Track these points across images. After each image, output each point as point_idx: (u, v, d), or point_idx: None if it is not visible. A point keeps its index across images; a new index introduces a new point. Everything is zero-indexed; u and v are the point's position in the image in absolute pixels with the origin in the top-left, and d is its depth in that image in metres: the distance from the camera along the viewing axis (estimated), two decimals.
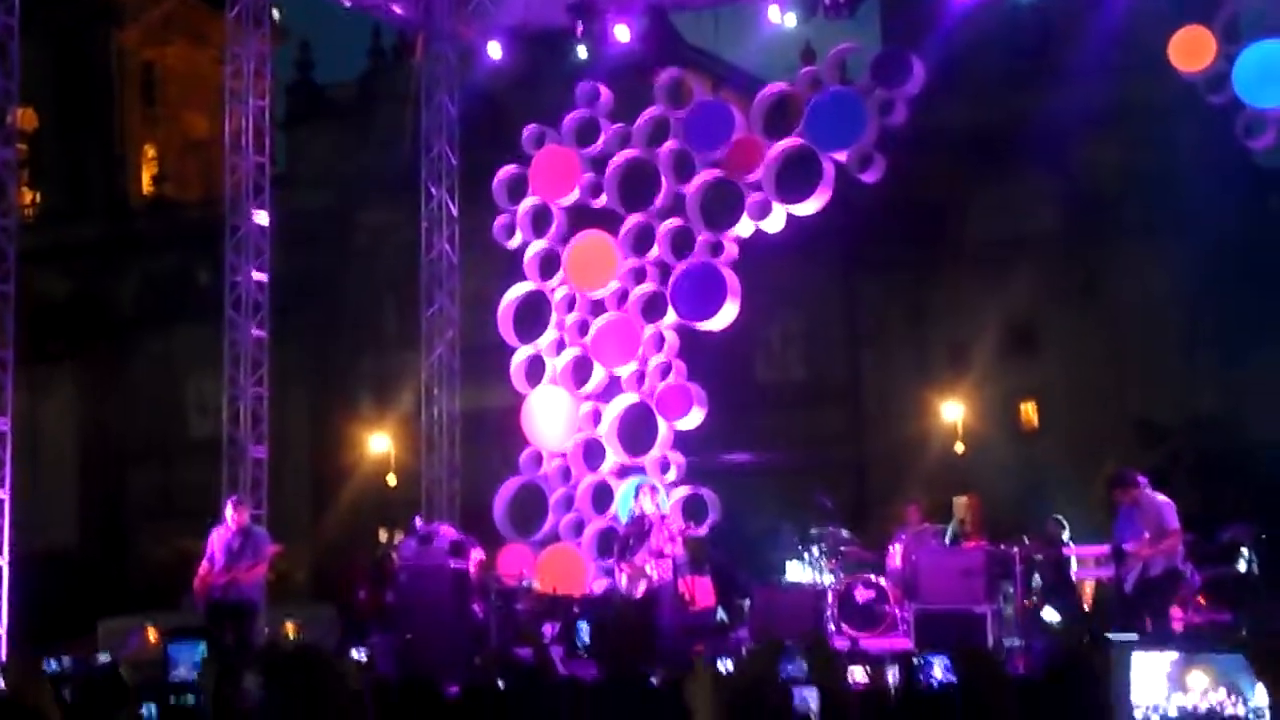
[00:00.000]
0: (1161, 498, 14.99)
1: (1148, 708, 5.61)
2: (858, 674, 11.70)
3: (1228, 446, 27.94)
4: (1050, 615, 16.96)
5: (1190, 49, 17.86)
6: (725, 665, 11.01)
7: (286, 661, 5.17)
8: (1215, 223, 27.86)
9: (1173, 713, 5.57)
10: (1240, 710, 5.47)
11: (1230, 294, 30.79)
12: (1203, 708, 5.54)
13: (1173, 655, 5.77)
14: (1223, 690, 5.54)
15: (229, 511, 16.93)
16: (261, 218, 21.24)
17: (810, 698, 8.39)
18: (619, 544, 17.74)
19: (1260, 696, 5.41)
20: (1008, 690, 4.01)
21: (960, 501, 19.92)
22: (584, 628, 16.09)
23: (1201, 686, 5.55)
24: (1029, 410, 35.14)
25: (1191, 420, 30.13)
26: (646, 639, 15.90)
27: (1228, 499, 19.45)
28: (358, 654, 16.04)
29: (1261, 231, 31.01)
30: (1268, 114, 17.83)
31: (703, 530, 19.18)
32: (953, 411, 31.45)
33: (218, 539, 16.64)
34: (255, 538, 16.87)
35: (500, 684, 8.42)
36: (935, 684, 9.36)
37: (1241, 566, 15.97)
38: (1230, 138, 18.72)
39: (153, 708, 8.80)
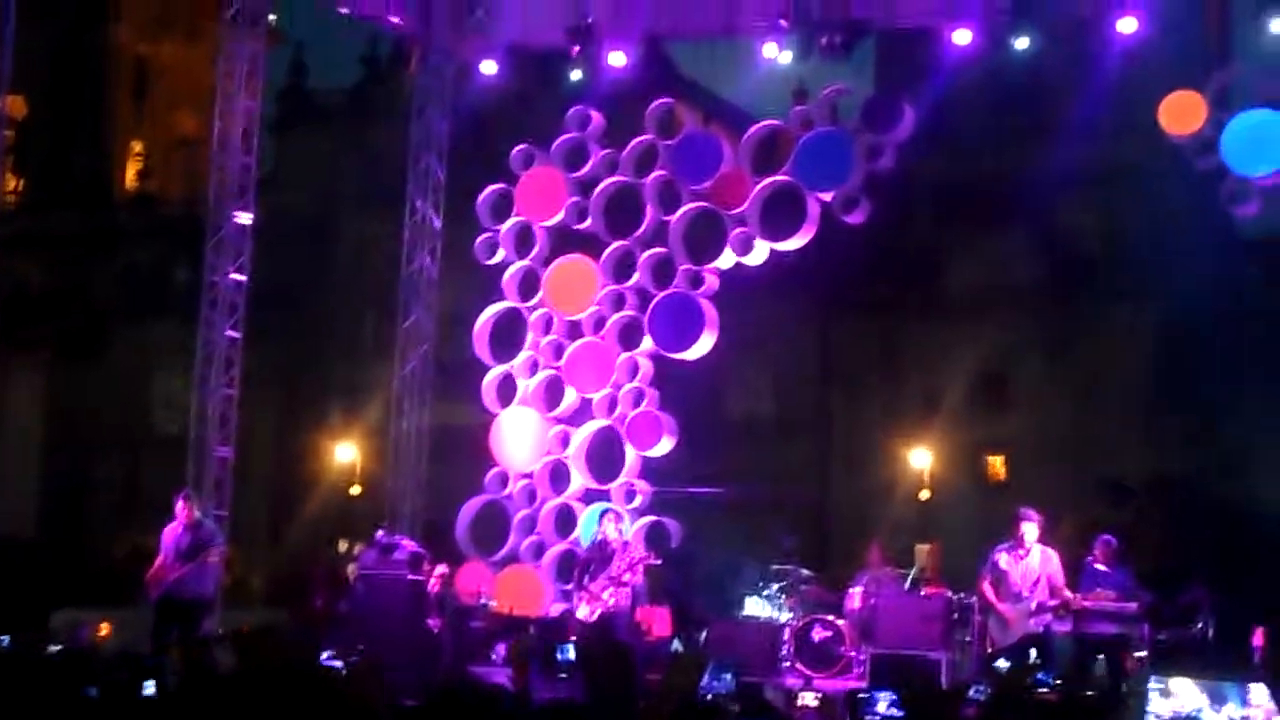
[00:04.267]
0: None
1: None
2: (809, 699, 11.77)
3: (1192, 509, 28.05)
4: (1003, 664, 17.01)
5: (1181, 113, 17.97)
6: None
7: (257, 636, 5.18)
8: (1193, 288, 28.02)
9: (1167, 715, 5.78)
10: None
11: (1203, 359, 30.95)
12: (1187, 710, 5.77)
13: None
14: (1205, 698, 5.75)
15: (178, 506, 16.87)
16: (244, 219, 21.21)
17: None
18: (579, 569, 17.71)
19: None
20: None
21: (922, 549, 19.99)
22: (568, 648, 16.02)
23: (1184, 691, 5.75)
24: (996, 463, 35.23)
25: (1157, 481, 30.24)
26: (630, 665, 15.90)
27: (1190, 562, 19.53)
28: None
29: (1238, 299, 31.17)
30: (1253, 182, 17.96)
31: (661, 561, 19.14)
32: (920, 458, 31.50)
33: (169, 534, 16.60)
34: (203, 532, 16.81)
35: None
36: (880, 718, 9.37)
37: (1197, 629, 16.07)
38: (1214, 204, 18.85)
39: (94, 690, 8.73)
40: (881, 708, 9.17)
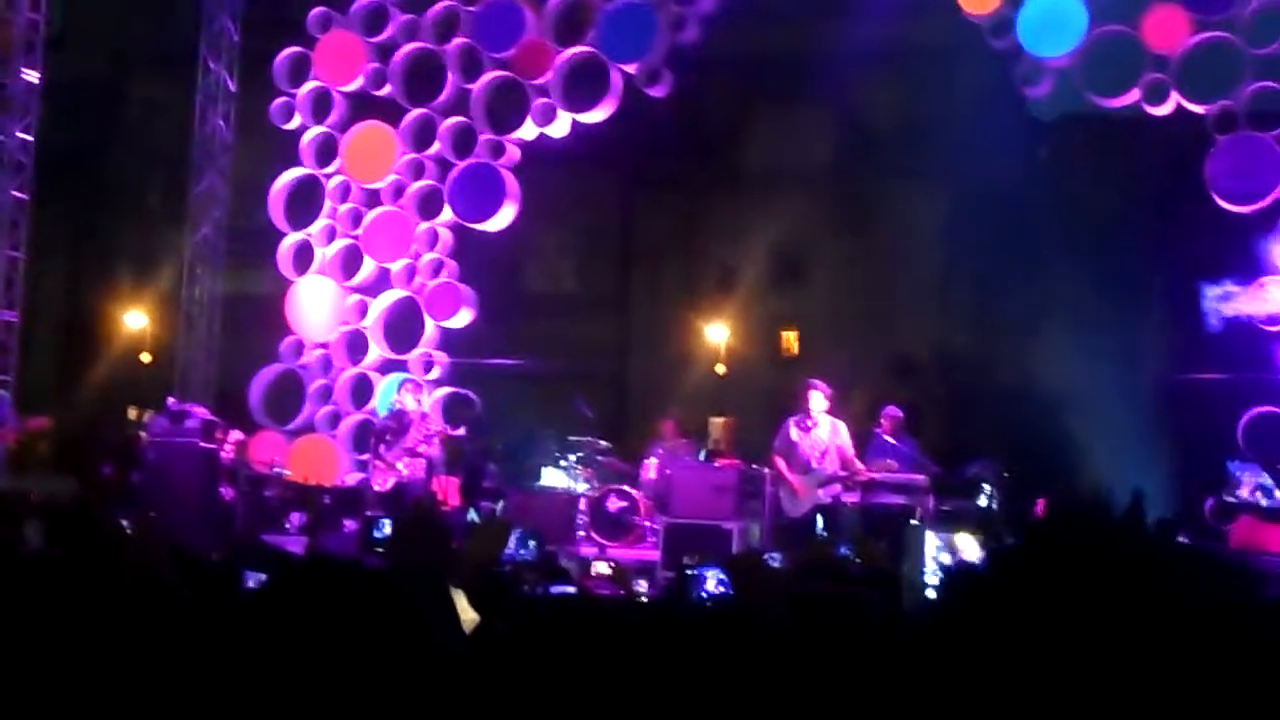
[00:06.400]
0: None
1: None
2: (602, 568, 11.90)
3: (978, 386, 28.79)
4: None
5: None
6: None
7: (69, 513, 5.09)
8: (984, 168, 28.52)
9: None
10: None
11: (990, 240, 31.63)
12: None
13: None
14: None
15: None
16: (31, 76, 20.58)
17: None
18: (375, 438, 17.67)
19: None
20: (779, 597, 4.10)
21: (716, 422, 20.27)
22: (385, 524, 15.96)
23: (967, 547, 6.11)
24: (790, 338, 35.71)
25: (945, 358, 30.94)
26: (443, 537, 15.94)
27: (975, 437, 20.06)
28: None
29: (1028, 181, 31.82)
30: (1046, 63, 18.31)
31: (460, 431, 19.15)
32: (717, 333, 31.82)
33: None
34: None
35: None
36: (707, 595, 9.48)
37: (982, 501, 16.52)
38: (1008, 85, 19.19)
39: None
40: (710, 585, 9.30)
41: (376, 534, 16.15)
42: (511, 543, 10.46)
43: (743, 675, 3.53)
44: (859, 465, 16.10)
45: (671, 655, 3.55)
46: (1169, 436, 16.89)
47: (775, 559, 10.11)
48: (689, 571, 9.74)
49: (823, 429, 15.96)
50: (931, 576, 5.67)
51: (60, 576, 4.38)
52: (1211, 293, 17.08)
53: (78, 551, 4.68)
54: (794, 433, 15.99)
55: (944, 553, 5.75)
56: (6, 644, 4.06)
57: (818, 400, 15.96)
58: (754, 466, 17.47)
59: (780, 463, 16.08)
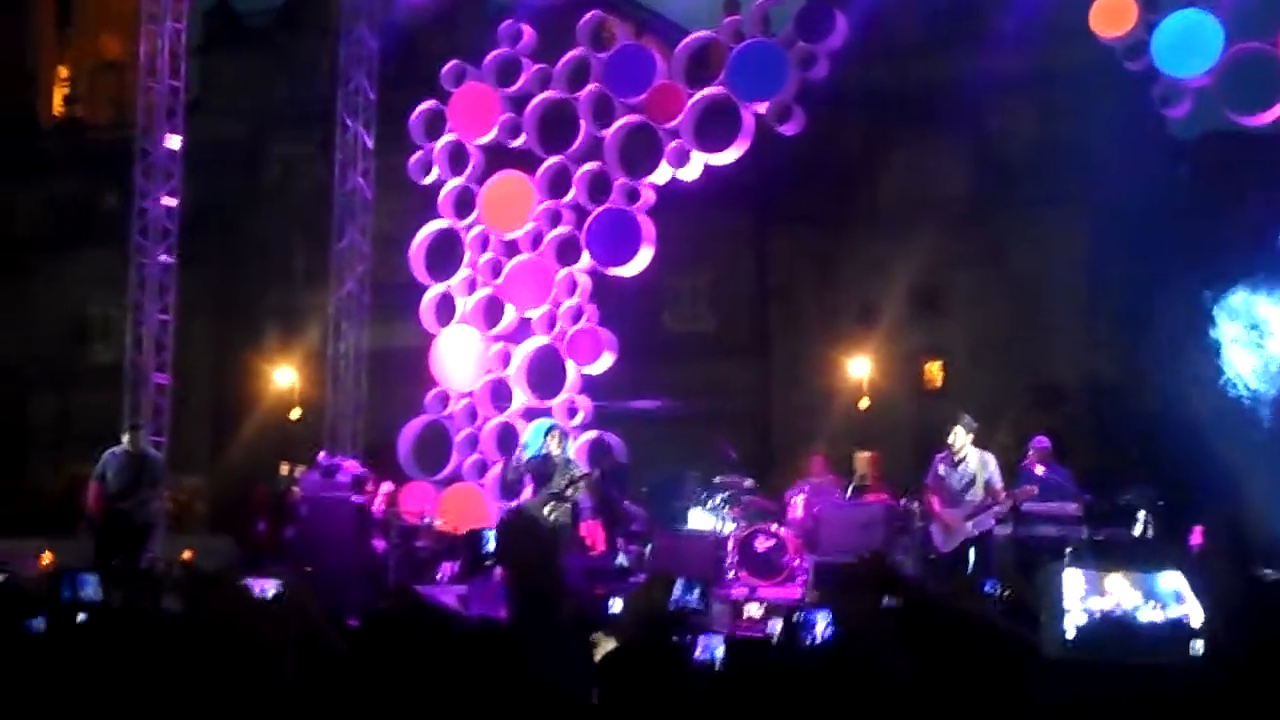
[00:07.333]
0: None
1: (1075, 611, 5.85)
2: (754, 610, 11.79)
3: (1124, 412, 28.36)
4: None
5: (1111, 15, 18.01)
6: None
7: (207, 582, 5.18)
8: (1125, 191, 28.19)
9: (1099, 613, 5.81)
10: (1159, 617, 5.71)
11: (1136, 263, 31.18)
12: (1124, 608, 5.79)
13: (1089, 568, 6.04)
14: (1139, 595, 5.78)
15: (125, 436, 16.87)
16: (173, 142, 21.03)
17: (715, 646, 8.46)
18: (520, 483, 17.73)
19: (1186, 607, 5.64)
20: (891, 638, 3.99)
21: (862, 457, 20.06)
22: (488, 536, 16.03)
23: (1120, 591, 5.77)
24: (933, 369, 35.47)
25: (1090, 385, 30.54)
26: (547, 543, 16.01)
27: (1126, 465, 19.74)
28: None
29: (1170, 201, 31.37)
30: (1184, 84, 18.03)
31: (602, 475, 19.08)
32: (859, 368, 31.69)
33: (112, 462, 16.48)
34: (151, 466, 16.78)
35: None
36: (815, 640, 9.31)
37: (1137, 530, 16.20)
38: (1146, 107, 18.92)
39: (41, 621, 8.68)
40: (820, 629, 9.15)
41: (483, 549, 16.18)
42: (677, 589, 10.35)
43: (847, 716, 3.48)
44: (1004, 497, 15.80)
45: (775, 701, 3.52)
46: None
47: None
48: (795, 617, 9.53)
49: (971, 462, 15.72)
50: (1076, 619, 5.48)
51: (195, 639, 4.46)
52: None
53: (214, 618, 4.76)
54: (942, 468, 15.79)
55: (1093, 596, 5.52)
56: (144, 704, 4.14)
57: (958, 436, 15.69)
58: (902, 501, 17.29)
59: (933, 498, 15.87)
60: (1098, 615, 5.89)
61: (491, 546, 16.53)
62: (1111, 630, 5.90)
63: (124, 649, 4.68)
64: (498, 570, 16.98)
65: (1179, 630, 5.75)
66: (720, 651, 8.38)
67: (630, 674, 4.78)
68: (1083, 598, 5.90)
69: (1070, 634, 5.93)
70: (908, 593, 4.63)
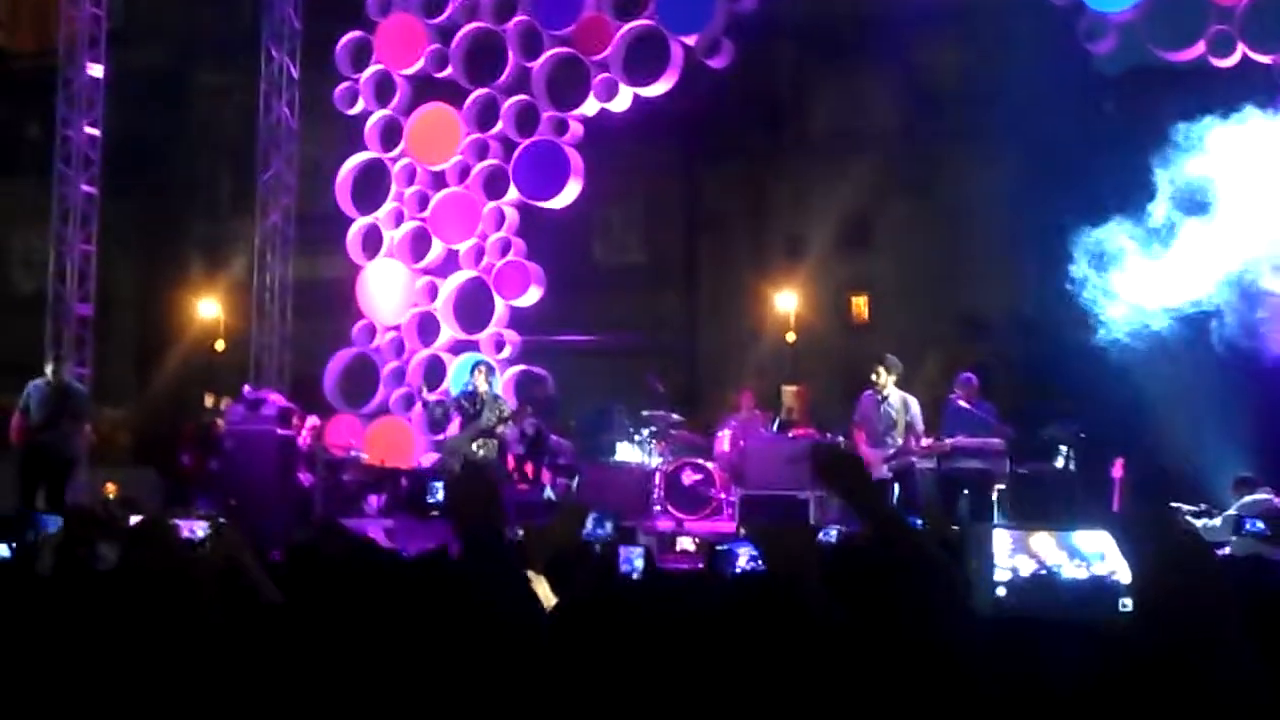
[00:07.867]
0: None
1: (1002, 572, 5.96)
2: (686, 543, 11.89)
3: (1047, 346, 28.60)
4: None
5: None
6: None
7: (143, 532, 5.16)
8: (1050, 126, 28.29)
9: (1024, 573, 5.92)
10: (1082, 574, 5.83)
11: (1060, 197, 31.37)
12: (1049, 565, 5.89)
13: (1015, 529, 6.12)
14: (1064, 554, 5.90)
15: (49, 368, 16.70)
16: (96, 70, 20.75)
17: (635, 557, 8.56)
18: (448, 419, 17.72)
19: (1110, 565, 5.74)
20: (814, 571, 3.98)
21: (789, 391, 20.20)
22: (437, 486, 16.03)
23: (1045, 549, 5.88)
24: (859, 304, 35.58)
25: (1014, 319, 30.74)
26: (495, 496, 16.02)
27: (1050, 399, 19.90)
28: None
29: (1094, 137, 31.52)
30: (1110, 17, 18.12)
31: (531, 409, 19.13)
32: (786, 301, 31.76)
33: (35, 391, 16.31)
34: (74, 397, 16.63)
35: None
36: (738, 571, 9.39)
37: (1059, 463, 16.38)
38: (1071, 41, 19.00)
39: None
40: (742, 562, 9.23)
41: (430, 499, 16.20)
42: (589, 523, 10.44)
43: (769, 648, 3.51)
44: (926, 441, 15.94)
45: (698, 630, 3.55)
46: (1247, 397, 16.68)
47: (829, 534, 10.02)
48: (719, 548, 9.64)
49: (893, 402, 15.85)
50: (1003, 576, 5.57)
51: (134, 593, 4.45)
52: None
53: (151, 569, 4.74)
54: (869, 406, 15.90)
55: (1019, 554, 5.62)
56: (87, 657, 4.13)
57: (881, 375, 15.81)
58: (829, 435, 17.41)
59: (859, 434, 15.98)
60: (1026, 575, 6.02)
61: (440, 496, 16.55)
62: (1039, 588, 6.03)
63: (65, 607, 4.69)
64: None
65: (1105, 587, 5.88)
66: (640, 563, 8.50)
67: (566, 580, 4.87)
68: (1009, 555, 6.01)
69: (1001, 592, 6.05)
70: (862, 479, 4.60)
